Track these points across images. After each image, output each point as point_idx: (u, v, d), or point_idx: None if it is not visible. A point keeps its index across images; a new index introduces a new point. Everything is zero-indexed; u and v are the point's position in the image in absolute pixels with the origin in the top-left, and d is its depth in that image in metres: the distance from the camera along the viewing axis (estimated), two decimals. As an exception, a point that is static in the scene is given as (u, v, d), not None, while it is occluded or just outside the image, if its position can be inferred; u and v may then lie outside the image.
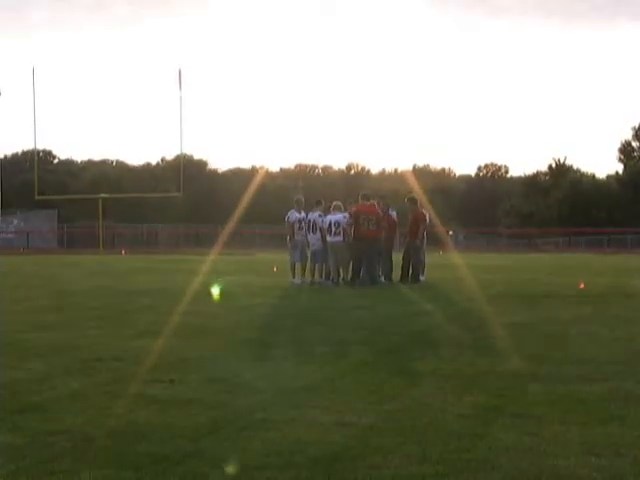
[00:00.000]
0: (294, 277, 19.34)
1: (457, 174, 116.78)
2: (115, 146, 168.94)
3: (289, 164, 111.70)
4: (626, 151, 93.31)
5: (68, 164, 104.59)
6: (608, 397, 6.24)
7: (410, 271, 19.75)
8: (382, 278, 19.23)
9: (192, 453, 4.80)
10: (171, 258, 38.59)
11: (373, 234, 18.72)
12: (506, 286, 18.40)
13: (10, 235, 65.84)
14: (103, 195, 56.89)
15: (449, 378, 7.01)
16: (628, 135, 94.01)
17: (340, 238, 18.67)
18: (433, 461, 4.63)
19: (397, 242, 20.87)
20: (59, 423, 5.46)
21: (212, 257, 33.24)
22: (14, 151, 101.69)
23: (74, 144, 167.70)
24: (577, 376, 7.09)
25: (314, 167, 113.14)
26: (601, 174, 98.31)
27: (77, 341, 9.34)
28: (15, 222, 68.11)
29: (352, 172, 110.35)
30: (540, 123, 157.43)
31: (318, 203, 19.86)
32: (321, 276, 19.30)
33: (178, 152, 57.51)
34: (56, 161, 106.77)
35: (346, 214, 19.02)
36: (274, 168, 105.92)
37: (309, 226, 19.26)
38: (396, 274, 19.69)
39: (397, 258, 19.85)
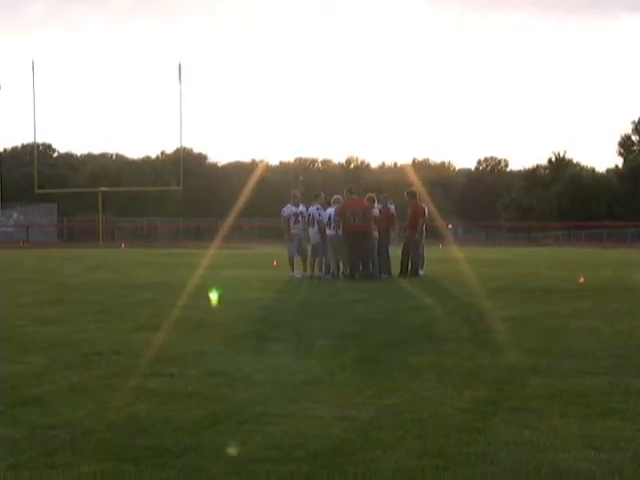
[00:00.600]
0: (293, 271, 19.36)
1: (457, 168, 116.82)
2: (115, 140, 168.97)
3: (289, 158, 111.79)
4: (626, 145, 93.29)
5: (68, 158, 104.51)
6: (608, 391, 6.24)
7: (409, 265, 19.76)
8: (382, 274, 19.23)
9: (192, 446, 4.80)
10: (171, 252, 38.58)
11: (361, 229, 18.66)
12: (506, 280, 18.40)
13: (10, 229, 65.87)
14: (103, 189, 56.99)
15: (449, 372, 7.01)
16: (628, 129, 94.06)
17: (339, 231, 18.67)
18: (433, 455, 4.64)
19: (396, 236, 20.86)
20: (59, 416, 5.46)
21: (212, 251, 33.24)
22: (14, 145, 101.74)
23: (74, 138, 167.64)
24: (577, 370, 7.10)
25: (314, 161, 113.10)
26: (601, 168, 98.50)
27: (77, 335, 9.34)
28: (15, 216, 68.15)
29: (352, 166, 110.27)
30: (540, 117, 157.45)
31: (317, 196, 19.85)
32: (321, 270, 19.30)
33: (178, 146, 57.68)
34: (56, 155, 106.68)
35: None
36: (274, 162, 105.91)
37: (308, 220, 19.28)
38: (395, 268, 19.69)
39: (396, 252, 19.86)
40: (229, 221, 44.82)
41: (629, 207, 74.36)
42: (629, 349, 8.33)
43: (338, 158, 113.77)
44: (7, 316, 11.45)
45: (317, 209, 19.31)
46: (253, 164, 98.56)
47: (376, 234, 19.16)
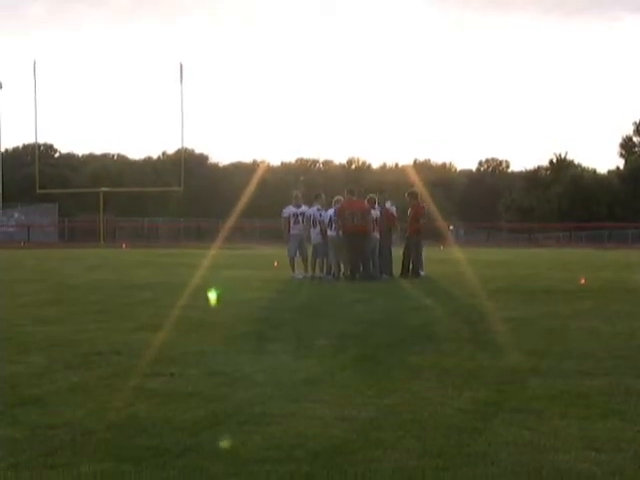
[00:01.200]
0: (294, 271, 19.37)
1: (458, 169, 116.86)
2: (116, 140, 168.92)
3: (290, 158, 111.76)
4: (627, 146, 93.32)
5: (69, 158, 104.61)
6: (608, 392, 6.23)
7: (410, 266, 19.77)
8: (383, 275, 19.24)
9: (192, 446, 4.80)
10: (172, 252, 38.60)
11: (360, 229, 18.66)
12: (506, 281, 18.39)
13: (11, 229, 65.86)
14: (104, 189, 57.02)
15: (449, 372, 7.01)
16: (629, 130, 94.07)
17: (339, 232, 18.68)
18: (433, 455, 4.63)
19: (397, 237, 20.86)
20: (59, 416, 5.46)
21: (213, 251, 33.25)
22: (15, 145, 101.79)
23: (75, 138, 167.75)
24: (577, 371, 7.09)
25: (315, 161, 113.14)
26: (602, 169, 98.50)
27: (77, 335, 9.34)
28: (16, 216, 68.15)
29: (353, 166, 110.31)
30: (541, 118, 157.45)
31: (317, 197, 19.87)
32: (322, 271, 19.30)
33: (179, 146, 57.64)
34: (57, 155, 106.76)
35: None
36: (275, 162, 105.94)
37: (309, 220, 19.29)
38: (396, 269, 19.70)
39: (397, 253, 19.86)
40: (230, 221, 44.83)
41: (630, 208, 74.37)
42: (630, 350, 8.33)
43: (339, 159, 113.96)
44: (7, 316, 11.45)
45: (318, 210, 19.33)
46: (254, 165, 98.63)
47: (377, 235, 19.18)
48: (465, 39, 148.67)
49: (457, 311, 12.32)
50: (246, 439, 4.94)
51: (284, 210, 19.78)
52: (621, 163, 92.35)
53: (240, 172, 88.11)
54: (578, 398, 6.02)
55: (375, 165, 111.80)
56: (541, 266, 25.90)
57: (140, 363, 7.39)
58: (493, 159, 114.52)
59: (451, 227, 58.71)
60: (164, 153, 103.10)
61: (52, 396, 6.10)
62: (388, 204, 20.18)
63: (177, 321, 10.62)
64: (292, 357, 7.87)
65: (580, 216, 71.68)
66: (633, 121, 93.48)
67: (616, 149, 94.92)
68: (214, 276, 18.92)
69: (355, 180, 76.33)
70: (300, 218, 19.38)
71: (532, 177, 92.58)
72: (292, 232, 19.43)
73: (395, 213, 20.25)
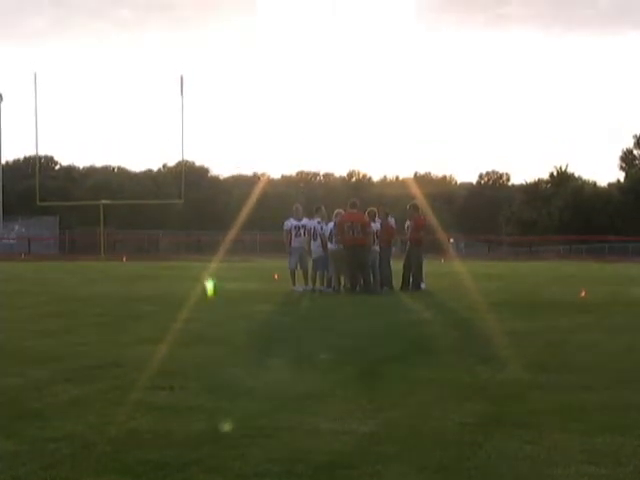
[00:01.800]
0: (294, 284, 19.37)
1: (458, 182, 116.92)
2: (117, 152, 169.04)
3: (291, 171, 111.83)
4: (627, 159, 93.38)
5: (70, 170, 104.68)
6: (609, 406, 6.23)
7: (411, 279, 19.76)
8: (383, 288, 19.24)
9: (192, 460, 4.79)
10: (172, 265, 38.60)
11: (360, 241, 18.65)
12: (507, 294, 18.39)
13: (11, 241, 65.86)
14: (104, 201, 57.02)
15: (449, 386, 7.01)
16: (629, 143, 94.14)
17: (340, 245, 18.69)
18: (433, 469, 4.63)
19: (397, 250, 20.85)
20: (59, 430, 5.46)
21: (213, 264, 33.23)
22: (16, 157, 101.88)
23: (76, 150, 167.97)
24: (577, 384, 7.09)
25: (316, 174, 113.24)
26: (602, 182, 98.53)
27: (78, 347, 9.34)
28: (16, 228, 68.17)
29: (354, 179, 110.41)
30: (541, 131, 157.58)
31: (318, 210, 19.89)
32: (322, 283, 19.30)
33: (179, 159, 57.64)
34: (58, 167, 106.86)
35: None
36: (275, 175, 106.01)
37: (310, 233, 19.30)
38: (397, 282, 19.69)
39: (398, 266, 19.86)
40: (230, 234, 44.79)
41: (631, 221, 74.36)
42: (630, 364, 8.33)
43: (340, 172, 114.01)
44: (7, 328, 11.46)
45: (319, 223, 19.35)
46: (255, 177, 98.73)
47: (377, 248, 19.19)
48: (466, 53, 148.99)
49: (457, 324, 12.32)
50: (246, 453, 4.94)
51: (285, 223, 19.81)
52: (622, 176, 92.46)
53: (240, 185, 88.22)
54: (578, 412, 6.02)
55: (376, 178, 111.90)
56: (541, 279, 25.91)
57: (141, 376, 7.39)
58: (493, 172, 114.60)
59: (451, 240, 58.70)
60: (165, 166, 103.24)
61: (53, 409, 6.10)
62: (391, 220, 20.19)
63: (178, 334, 10.61)
64: (293, 371, 7.87)
65: (580, 229, 71.68)
66: (633, 134, 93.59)
67: (616, 162, 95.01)
68: (214, 288, 18.91)
69: (356, 193, 76.37)
70: (301, 231, 19.39)
71: (532, 190, 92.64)
72: (293, 245, 19.43)
73: (395, 226, 20.28)
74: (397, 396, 6.61)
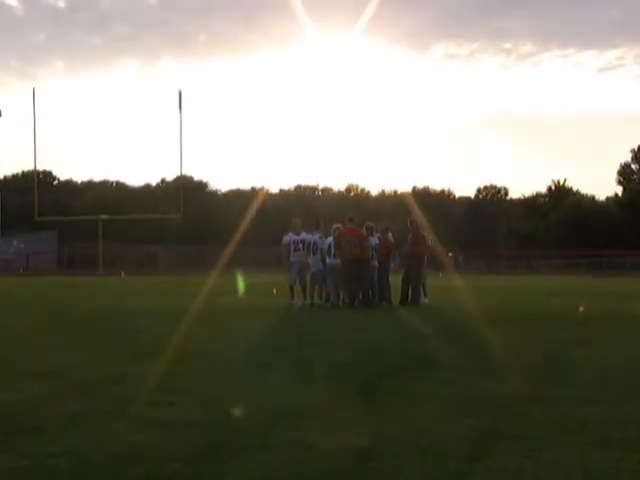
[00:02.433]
0: (293, 299, 19.36)
1: (457, 196, 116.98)
2: (115, 167, 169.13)
3: (289, 185, 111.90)
4: (625, 173, 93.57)
5: (68, 185, 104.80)
6: (608, 420, 6.22)
7: (410, 293, 19.75)
8: (382, 302, 19.23)
9: (191, 475, 4.78)
10: (171, 279, 38.58)
11: (358, 256, 18.66)
12: (506, 308, 18.39)
13: (10, 256, 65.85)
14: (103, 216, 57.01)
15: (449, 400, 7.00)
16: (627, 157, 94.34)
17: (339, 260, 18.70)
18: (433, 484, 4.62)
19: (396, 265, 20.84)
20: (58, 445, 5.44)
21: (212, 278, 33.21)
22: (14, 172, 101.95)
23: (74, 165, 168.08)
24: (577, 399, 7.08)
25: (314, 189, 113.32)
26: (601, 196, 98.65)
27: (76, 362, 9.33)
28: (15, 243, 68.18)
29: (352, 194, 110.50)
30: (539, 145, 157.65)
31: (317, 224, 19.91)
32: (321, 298, 19.30)
33: (178, 173, 57.71)
34: (56, 182, 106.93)
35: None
36: (274, 189, 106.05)
37: (309, 248, 19.30)
38: (396, 296, 19.69)
39: (396, 280, 19.86)
40: (229, 248, 44.79)
41: (629, 235, 74.44)
42: (629, 378, 8.32)
43: (338, 186, 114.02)
44: (6, 343, 11.44)
45: (320, 237, 19.37)
46: (253, 192, 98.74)
47: (375, 262, 19.19)
48: (457, 72, 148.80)
49: (456, 338, 12.31)
50: (245, 468, 4.92)
51: (284, 237, 19.82)
52: (620, 190, 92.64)
53: (239, 199, 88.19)
54: (578, 426, 6.01)
55: (374, 192, 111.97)
56: (540, 293, 25.91)
57: (139, 391, 7.38)
58: (492, 186, 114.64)
59: (450, 254, 58.71)
60: (163, 180, 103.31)
61: (51, 424, 6.08)
62: (390, 235, 20.19)
63: (177, 349, 10.60)
64: (291, 385, 7.86)
65: (579, 243, 71.74)
66: (631, 148, 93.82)
67: (614, 176, 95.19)
68: (214, 303, 18.91)
69: (354, 207, 76.38)
70: (300, 245, 19.41)
71: (531, 204, 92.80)
72: (292, 259, 19.44)
73: (393, 240, 20.28)
74: (397, 411, 6.60)
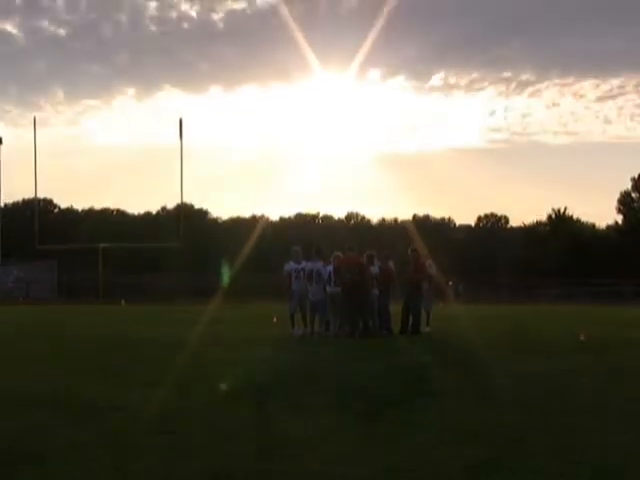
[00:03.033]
0: (293, 327, 19.34)
1: (457, 224, 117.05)
2: (116, 195, 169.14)
3: (289, 213, 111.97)
4: (625, 202, 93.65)
5: (69, 213, 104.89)
6: (608, 449, 6.23)
7: (410, 322, 19.71)
8: (382, 331, 19.21)
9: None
10: (171, 308, 38.54)
11: (358, 284, 18.66)
12: (506, 337, 18.37)
13: (10, 285, 65.78)
14: (103, 245, 57.07)
15: (449, 429, 7.00)
16: (627, 185, 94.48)
17: (339, 288, 18.70)
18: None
19: (396, 293, 20.81)
20: (58, 474, 5.45)
21: (212, 307, 33.18)
22: (15, 200, 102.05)
23: (75, 193, 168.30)
24: (576, 427, 7.09)
25: (314, 216, 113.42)
26: (601, 224, 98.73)
27: (77, 390, 9.33)
28: (15, 272, 68.11)
29: (352, 222, 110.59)
30: (540, 173, 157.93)
31: (318, 253, 19.91)
32: (321, 327, 19.27)
33: (178, 201, 57.80)
34: (56, 210, 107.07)
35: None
36: (274, 217, 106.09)
37: (310, 276, 19.29)
38: (396, 325, 19.66)
39: (397, 309, 19.84)
40: (230, 277, 44.83)
41: (629, 264, 74.40)
42: (629, 407, 8.32)
43: (339, 214, 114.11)
44: (7, 371, 11.44)
45: (323, 266, 19.36)
46: (253, 219, 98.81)
47: (376, 291, 19.19)
48: (450, 100, 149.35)
49: (456, 367, 12.30)
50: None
51: (285, 266, 19.82)
52: (620, 218, 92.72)
53: (239, 227, 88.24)
54: (577, 455, 6.01)
55: (374, 220, 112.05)
56: (541, 322, 25.88)
57: (140, 420, 7.39)
58: (492, 214, 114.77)
59: (450, 283, 58.62)
60: (164, 208, 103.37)
61: (51, 453, 6.09)
62: (390, 264, 20.20)
63: (177, 377, 10.61)
64: (291, 413, 7.86)
65: (579, 271, 71.70)
66: (631, 177, 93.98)
67: (614, 204, 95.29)
68: (214, 331, 18.91)
69: (355, 235, 76.42)
70: (301, 274, 19.40)
71: (531, 232, 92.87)
72: (293, 288, 19.42)
73: (394, 269, 20.27)
74: (397, 440, 6.60)
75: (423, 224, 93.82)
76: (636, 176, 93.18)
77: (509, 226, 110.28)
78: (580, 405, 8.39)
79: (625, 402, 8.68)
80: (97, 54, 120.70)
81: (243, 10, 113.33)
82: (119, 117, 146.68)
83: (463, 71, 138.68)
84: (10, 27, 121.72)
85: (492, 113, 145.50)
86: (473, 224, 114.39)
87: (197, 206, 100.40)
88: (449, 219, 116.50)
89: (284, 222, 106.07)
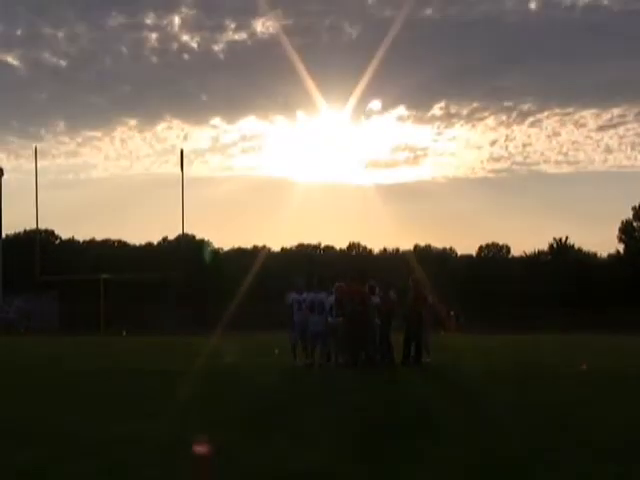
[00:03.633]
0: (295, 358, 19.32)
1: (458, 254, 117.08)
2: (117, 226, 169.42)
3: (291, 243, 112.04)
4: (627, 231, 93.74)
5: (70, 244, 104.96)
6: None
7: (411, 352, 19.70)
8: (384, 361, 19.18)
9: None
10: (173, 340, 38.51)
11: (359, 315, 18.66)
12: (507, 367, 18.35)
13: (11, 315, 65.78)
14: (104, 276, 57.07)
15: (451, 462, 6.99)
16: (629, 215, 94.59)
17: (340, 319, 18.71)
18: None
19: (398, 323, 20.80)
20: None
21: (214, 338, 33.16)
22: (16, 231, 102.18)
23: (76, 223, 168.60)
24: (579, 459, 7.07)
25: (316, 247, 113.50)
26: (602, 253, 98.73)
27: (77, 425, 9.32)
28: (17, 303, 68.12)
29: (354, 252, 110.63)
30: (541, 202, 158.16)
31: (320, 283, 19.95)
32: (322, 357, 19.26)
33: (180, 232, 57.88)
34: (58, 241, 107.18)
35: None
36: (275, 248, 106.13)
37: (311, 307, 19.30)
38: (398, 355, 19.65)
39: (398, 339, 19.84)
40: (231, 308, 44.81)
41: (630, 293, 74.33)
42: (630, 439, 8.29)
43: (340, 244, 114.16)
44: (7, 406, 11.43)
45: (327, 296, 19.38)
46: (255, 250, 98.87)
47: (377, 321, 19.19)
48: (451, 130, 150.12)
49: (458, 398, 12.28)
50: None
51: (287, 297, 19.84)
52: (621, 248, 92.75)
53: (241, 258, 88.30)
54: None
55: (376, 250, 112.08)
56: (542, 352, 25.85)
57: (141, 452, 7.38)
58: (493, 244, 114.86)
59: (452, 313, 58.62)
60: (165, 239, 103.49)
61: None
62: (392, 294, 20.21)
63: (178, 409, 10.60)
64: (293, 446, 7.85)
65: (581, 301, 71.66)
66: (632, 206, 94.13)
67: (616, 233, 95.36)
68: (215, 363, 18.90)
69: (356, 266, 76.43)
70: (303, 305, 19.42)
71: (532, 262, 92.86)
72: (295, 319, 19.43)
73: (395, 299, 20.27)
74: (397, 474, 6.59)
75: (424, 254, 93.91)
76: (637, 205, 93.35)
77: (510, 256, 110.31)
78: (582, 437, 8.36)
79: (625, 435, 8.65)
80: (98, 85, 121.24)
81: (244, 41, 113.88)
82: (120, 148, 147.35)
83: (464, 101, 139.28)
84: (11, 59, 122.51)
85: (493, 143, 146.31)
86: (474, 254, 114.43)
87: (198, 237, 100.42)
88: (450, 249, 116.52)
89: (286, 252, 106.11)
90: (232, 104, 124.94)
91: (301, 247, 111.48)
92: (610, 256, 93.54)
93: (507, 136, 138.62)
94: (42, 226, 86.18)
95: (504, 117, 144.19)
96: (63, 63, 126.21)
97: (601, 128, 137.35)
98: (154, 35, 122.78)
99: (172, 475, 6.53)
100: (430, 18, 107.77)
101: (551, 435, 8.48)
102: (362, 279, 20.26)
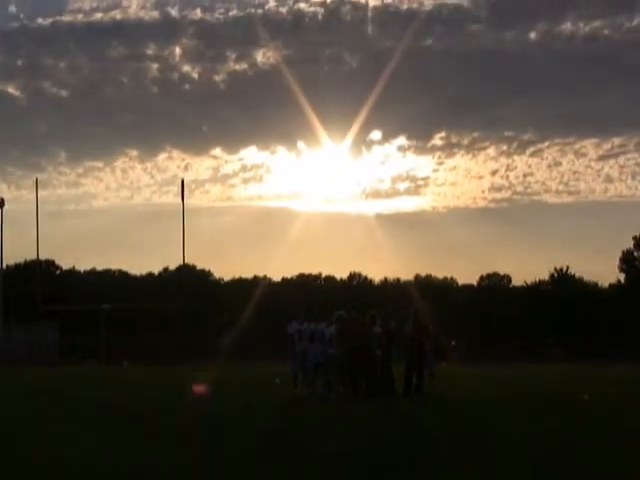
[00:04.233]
0: (296, 389, 19.29)
1: (459, 283, 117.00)
2: (118, 256, 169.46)
3: (292, 273, 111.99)
4: (628, 260, 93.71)
5: (71, 274, 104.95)
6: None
7: (413, 383, 19.66)
8: (385, 391, 19.14)
9: None
10: (173, 370, 38.41)
11: (361, 347, 18.65)
12: (509, 398, 18.30)
13: (11, 346, 65.63)
14: (105, 306, 57.06)
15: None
16: (629, 244, 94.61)
17: (341, 350, 18.69)
18: None
19: (399, 354, 20.78)
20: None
21: (215, 368, 33.08)
22: (17, 261, 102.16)
23: (77, 254, 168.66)
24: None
25: (316, 277, 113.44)
26: (603, 283, 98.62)
27: (79, 458, 9.31)
28: (17, 333, 68.01)
29: (354, 282, 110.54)
30: (542, 232, 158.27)
31: (320, 313, 19.98)
32: (323, 388, 19.22)
33: (180, 262, 57.89)
34: (58, 272, 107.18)
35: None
36: (276, 278, 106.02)
37: (312, 337, 19.30)
38: (399, 386, 19.60)
39: (400, 370, 19.80)
40: (232, 338, 44.81)
41: (632, 323, 74.20)
42: (631, 473, 8.26)
43: (341, 274, 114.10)
44: (8, 438, 11.41)
45: (327, 326, 19.38)
46: (255, 280, 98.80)
47: (378, 352, 19.17)
48: (452, 160, 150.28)
49: (458, 429, 12.26)
50: None
51: (288, 327, 19.85)
52: (622, 277, 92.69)
53: (241, 288, 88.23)
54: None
55: (377, 280, 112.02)
56: (544, 382, 25.78)
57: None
58: (494, 274, 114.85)
59: (453, 343, 58.49)
60: (166, 269, 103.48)
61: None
62: (393, 324, 20.20)
63: (178, 439, 10.59)
64: (293, 479, 7.83)
65: (582, 331, 71.53)
66: (633, 235, 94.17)
67: (616, 263, 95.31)
68: (216, 393, 18.86)
69: (357, 296, 76.43)
70: (304, 335, 19.42)
71: (533, 292, 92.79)
72: (296, 349, 19.43)
73: (396, 330, 20.26)
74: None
75: (425, 284, 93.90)
76: (638, 235, 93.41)
77: (511, 285, 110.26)
78: (582, 469, 8.34)
79: (627, 468, 8.61)
80: (99, 115, 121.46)
81: (244, 71, 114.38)
82: (121, 178, 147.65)
83: (464, 130, 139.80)
84: (12, 89, 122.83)
85: (494, 172, 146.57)
86: (475, 283, 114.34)
87: (199, 267, 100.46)
88: (451, 279, 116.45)
89: (286, 283, 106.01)
90: (233, 134, 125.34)
91: (302, 277, 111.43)
92: (611, 286, 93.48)
93: (508, 166, 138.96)
94: (43, 256, 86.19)
95: (505, 147, 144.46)
96: (64, 93, 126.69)
97: (602, 158, 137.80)
98: (155, 65, 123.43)
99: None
100: (430, 48, 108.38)
101: (551, 467, 8.46)
102: (363, 309, 20.27)
